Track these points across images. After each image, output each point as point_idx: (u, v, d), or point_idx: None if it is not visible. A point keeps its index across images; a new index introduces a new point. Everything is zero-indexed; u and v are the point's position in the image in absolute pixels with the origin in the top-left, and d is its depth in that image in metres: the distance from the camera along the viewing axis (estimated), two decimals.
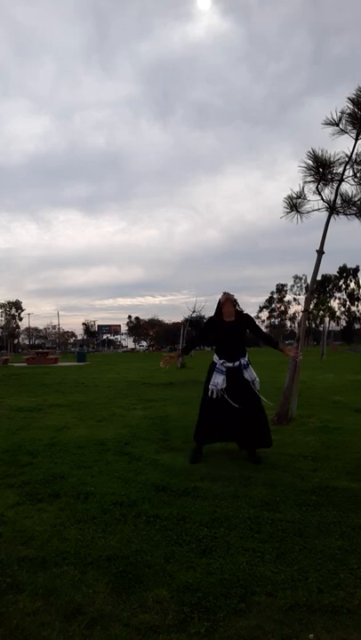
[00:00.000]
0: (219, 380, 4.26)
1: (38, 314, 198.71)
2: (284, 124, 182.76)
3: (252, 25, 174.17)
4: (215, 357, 4.40)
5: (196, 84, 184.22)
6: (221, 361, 4.31)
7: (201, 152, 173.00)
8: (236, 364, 4.28)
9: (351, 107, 5.67)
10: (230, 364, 4.28)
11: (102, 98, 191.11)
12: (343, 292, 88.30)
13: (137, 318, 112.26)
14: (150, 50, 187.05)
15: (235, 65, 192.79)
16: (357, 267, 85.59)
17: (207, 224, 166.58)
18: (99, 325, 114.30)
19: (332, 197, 6.13)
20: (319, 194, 6.18)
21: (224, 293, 4.45)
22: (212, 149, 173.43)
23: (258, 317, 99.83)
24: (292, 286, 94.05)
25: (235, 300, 4.45)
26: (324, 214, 6.24)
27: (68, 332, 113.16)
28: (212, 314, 4.57)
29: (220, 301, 4.45)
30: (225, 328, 4.37)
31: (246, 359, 4.35)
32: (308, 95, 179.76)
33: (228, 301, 4.40)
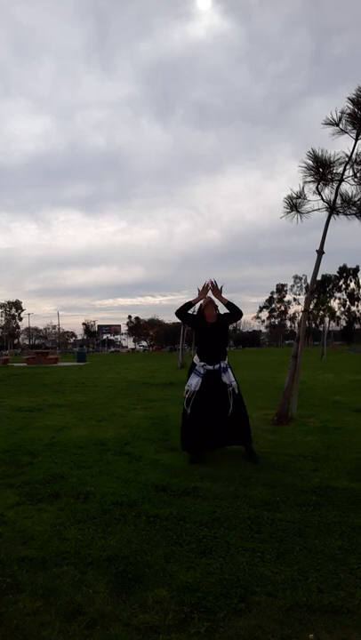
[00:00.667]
0: (193, 382, 4.34)
1: (38, 314, 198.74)
2: (285, 124, 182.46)
3: (253, 25, 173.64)
4: (196, 359, 4.48)
5: (196, 84, 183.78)
6: (202, 363, 4.38)
7: (201, 152, 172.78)
8: (216, 366, 4.35)
9: (351, 107, 5.67)
10: (210, 367, 4.35)
11: (102, 98, 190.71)
12: (343, 292, 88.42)
13: (137, 318, 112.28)
14: (150, 50, 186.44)
15: (235, 65, 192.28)
16: (357, 267, 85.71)
17: (207, 224, 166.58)
18: (99, 325, 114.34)
19: (332, 197, 6.14)
20: (319, 194, 6.19)
21: (207, 297, 4.52)
22: (213, 149, 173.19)
23: (258, 317, 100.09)
24: (292, 286, 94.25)
25: (216, 306, 4.51)
26: (324, 214, 6.26)
27: (68, 332, 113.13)
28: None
29: (201, 305, 4.54)
30: (208, 330, 4.44)
31: (226, 362, 4.43)
32: (309, 95, 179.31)
33: (209, 305, 4.46)
